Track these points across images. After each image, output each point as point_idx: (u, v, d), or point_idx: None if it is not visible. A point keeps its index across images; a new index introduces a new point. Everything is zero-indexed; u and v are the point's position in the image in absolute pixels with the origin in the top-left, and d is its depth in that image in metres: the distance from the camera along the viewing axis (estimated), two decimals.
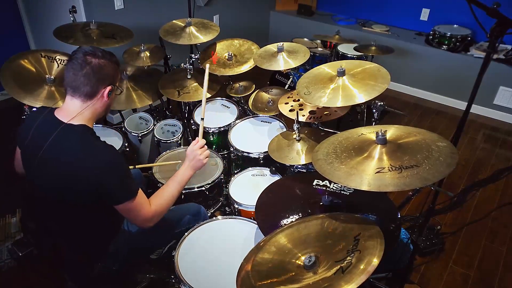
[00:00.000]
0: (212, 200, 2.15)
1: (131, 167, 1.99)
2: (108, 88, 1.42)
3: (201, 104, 2.62)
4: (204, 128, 2.44)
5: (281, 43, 2.41)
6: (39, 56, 2.25)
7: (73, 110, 1.39)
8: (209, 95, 2.53)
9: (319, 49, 3.74)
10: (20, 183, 1.52)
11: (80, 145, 1.35)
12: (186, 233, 1.66)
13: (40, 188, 1.45)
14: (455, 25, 3.99)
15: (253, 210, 1.69)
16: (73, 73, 1.36)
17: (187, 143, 2.52)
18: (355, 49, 3.41)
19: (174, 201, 1.60)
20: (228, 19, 4.25)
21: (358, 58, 3.45)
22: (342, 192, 1.72)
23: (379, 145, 1.37)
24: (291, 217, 1.57)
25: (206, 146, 1.74)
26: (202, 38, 2.61)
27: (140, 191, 1.43)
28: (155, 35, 2.77)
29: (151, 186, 2.13)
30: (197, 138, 1.77)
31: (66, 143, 1.35)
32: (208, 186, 2.01)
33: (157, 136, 2.44)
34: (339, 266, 1.10)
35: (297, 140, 2.01)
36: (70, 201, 1.40)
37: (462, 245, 2.42)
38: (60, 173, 1.35)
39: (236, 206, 1.91)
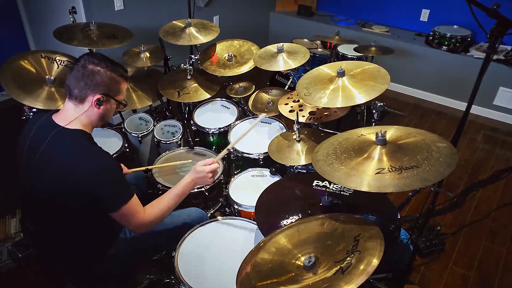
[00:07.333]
0: (212, 201, 2.15)
1: (133, 170, 1.98)
2: (97, 96, 1.40)
3: (201, 105, 2.65)
4: (204, 129, 2.44)
5: (281, 43, 2.42)
6: (39, 57, 2.26)
7: (69, 114, 1.41)
8: (208, 96, 2.53)
9: (319, 49, 3.75)
10: (20, 184, 1.52)
11: (74, 149, 1.35)
12: (186, 234, 1.66)
13: (36, 190, 1.45)
14: (455, 26, 3.99)
15: (253, 210, 1.68)
16: (69, 75, 1.40)
17: (186, 143, 2.52)
18: (355, 49, 3.42)
19: (170, 212, 1.57)
20: (228, 19, 4.25)
21: (358, 58, 3.45)
22: (342, 192, 1.72)
23: (379, 146, 1.37)
24: (291, 217, 1.57)
25: (218, 171, 1.67)
26: (202, 38, 2.61)
27: (134, 197, 1.42)
28: (155, 36, 2.77)
29: (151, 186, 2.13)
30: (213, 158, 1.67)
31: (61, 146, 1.35)
32: (208, 187, 2.01)
33: (157, 137, 2.44)
34: (339, 266, 1.10)
35: (297, 140, 2.00)
36: (64, 204, 1.39)
37: (462, 245, 2.42)
38: (54, 176, 1.35)
39: (236, 206, 1.90)
